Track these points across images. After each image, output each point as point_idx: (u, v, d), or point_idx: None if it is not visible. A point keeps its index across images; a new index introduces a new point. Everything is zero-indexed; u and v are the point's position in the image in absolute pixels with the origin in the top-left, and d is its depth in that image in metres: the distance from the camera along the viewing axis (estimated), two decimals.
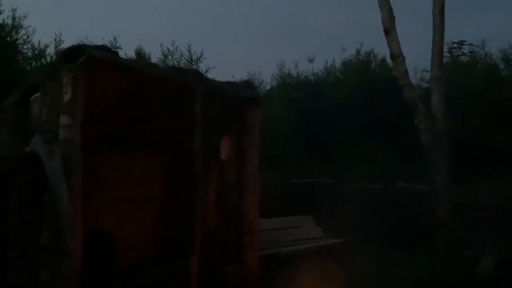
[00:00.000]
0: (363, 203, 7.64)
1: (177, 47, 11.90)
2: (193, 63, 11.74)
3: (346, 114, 11.21)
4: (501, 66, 11.41)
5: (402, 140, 9.71)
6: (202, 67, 11.25)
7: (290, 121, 11.23)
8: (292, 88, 12.44)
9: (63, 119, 3.37)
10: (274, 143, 9.01)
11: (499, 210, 7.85)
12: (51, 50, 10.47)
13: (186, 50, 11.85)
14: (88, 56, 3.40)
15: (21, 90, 4.00)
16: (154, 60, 11.20)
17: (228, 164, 5.49)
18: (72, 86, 3.38)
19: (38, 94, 3.73)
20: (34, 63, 10.33)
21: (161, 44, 11.95)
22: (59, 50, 10.32)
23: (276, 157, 9.13)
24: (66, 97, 3.38)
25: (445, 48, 8.49)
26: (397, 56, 7.31)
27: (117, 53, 3.71)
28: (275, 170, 8.54)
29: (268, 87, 13.06)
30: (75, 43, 3.79)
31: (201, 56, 11.80)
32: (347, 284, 5.38)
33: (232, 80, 5.96)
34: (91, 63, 3.47)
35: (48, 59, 10.33)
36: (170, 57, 11.86)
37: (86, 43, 4.28)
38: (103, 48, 3.65)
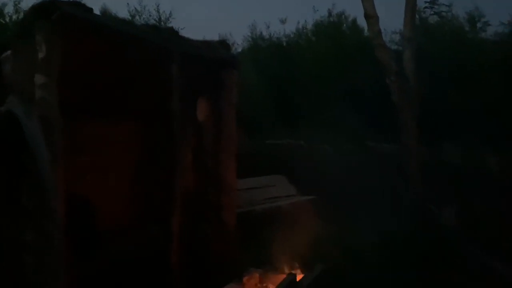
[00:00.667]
0: (335, 162, 7.88)
1: (144, 7, 11.51)
2: (162, 23, 11.39)
3: (317, 77, 11.27)
4: (467, 28, 11.67)
5: (372, 103, 9.91)
6: None
7: (261, 83, 11.19)
8: (263, 50, 12.33)
9: (39, 78, 3.25)
10: (245, 105, 9.01)
11: (461, 167, 8.34)
12: (9, 9, 9.90)
13: (154, 10, 11.48)
14: (62, 12, 3.26)
15: None
16: None
17: (205, 126, 5.48)
18: (46, 44, 3.25)
19: (8, 53, 3.58)
20: None
21: (128, 3, 11.51)
22: (18, 9, 9.79)
23: (248, 119, 9.16)
24: (41, 55, 3.25)
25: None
26: (371, 16, 7.32)
27: (91, 9, 3.55)
28: (247, 131, 8.59)
29: (240, 49, 12.89)
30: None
31: (170, 17, 11.47)
32: (319, 238, 5.64)
33: (206, 40, 5.86)
34: (65, 20, 3.33)
35: (7, 19, 9.78)
36: (137, 17, 11.46)
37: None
38: (76, 4, 3.49)
